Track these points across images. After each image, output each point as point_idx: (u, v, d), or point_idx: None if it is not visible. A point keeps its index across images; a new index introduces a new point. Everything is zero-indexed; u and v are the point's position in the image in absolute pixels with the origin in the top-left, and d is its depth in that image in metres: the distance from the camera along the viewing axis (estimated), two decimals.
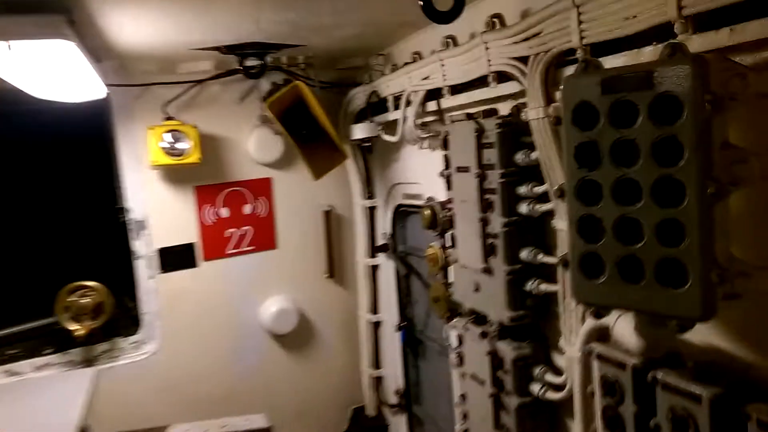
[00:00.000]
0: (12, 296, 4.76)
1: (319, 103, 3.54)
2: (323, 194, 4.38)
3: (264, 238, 4.30)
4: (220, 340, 4.28)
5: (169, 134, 3.69)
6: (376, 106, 3.76)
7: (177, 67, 3.78)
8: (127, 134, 3.86)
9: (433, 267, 3.16)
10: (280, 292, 4.39)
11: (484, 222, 2.56)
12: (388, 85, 3.59)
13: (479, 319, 2.77)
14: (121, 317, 4.43)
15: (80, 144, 4.39)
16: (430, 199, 3.15)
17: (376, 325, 4.47)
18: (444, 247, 3.09)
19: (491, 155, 2.45)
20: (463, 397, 2.96)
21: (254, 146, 4.11)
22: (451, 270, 2.99)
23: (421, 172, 3.53)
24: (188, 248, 4.12)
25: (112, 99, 3.79)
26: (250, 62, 3.52)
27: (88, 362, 4.01)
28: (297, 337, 4.46)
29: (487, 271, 2.59)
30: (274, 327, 4.31)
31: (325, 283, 4.50)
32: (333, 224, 4.43)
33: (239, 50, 3.38)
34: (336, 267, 4.49)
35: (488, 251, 2.57)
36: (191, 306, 4.17)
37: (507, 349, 2.57)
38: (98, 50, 3.17)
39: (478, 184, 2.55)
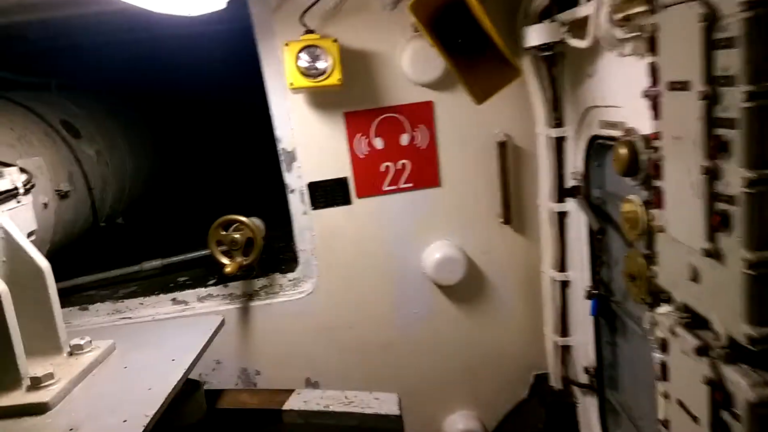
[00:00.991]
0: (181, 225, 4.92)
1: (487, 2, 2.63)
2: (497, 121, 3.50)
3: (425, 173, 3.61)
4: (379, 286, 3.80)
5: (306, 51, 3.11)
6: (565, 1, 2.73)
7: None
8: (269, 53, 3.39)
9: (631, 230, 2.17)
10: (445, 236, 3.72)
11: (712, 174, 1.54)
12: None
13: (696, 322, 1.78)
14: (281, 252, 4.23)
15: (233, 68, 4.09)
16: (629, 131, 2.13)
17: (564, 285, 3.57)
18: (647, 204, 2.08)
19: (730, 60, 1.39)
20: (665, 424, 2.03)
21: (409, 62, 3.35)
22: (657, 240, 1.99)
23: (622, 91, 2.46)
24: (341, 183, 3.62)
25: (252, 12, 3.34)
26: None
27: (249, 297, 3.86)
28: (466, 289, 3.78)
29: (714, 254, 1.58)
30: (438, 276, 3.69)
31: (500, 229, 3.69)
32: (509, 158, 3.54)
33: None
34: (513, 211, 3.64)
35: (717, 223, 1.55)
36: (347, 246, 3.73)
37: (741, 383, 1.57)
38: None
39: (705, 110, 1.51)
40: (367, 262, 3.75)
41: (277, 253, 4.17)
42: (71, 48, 4.03)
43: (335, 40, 3.15)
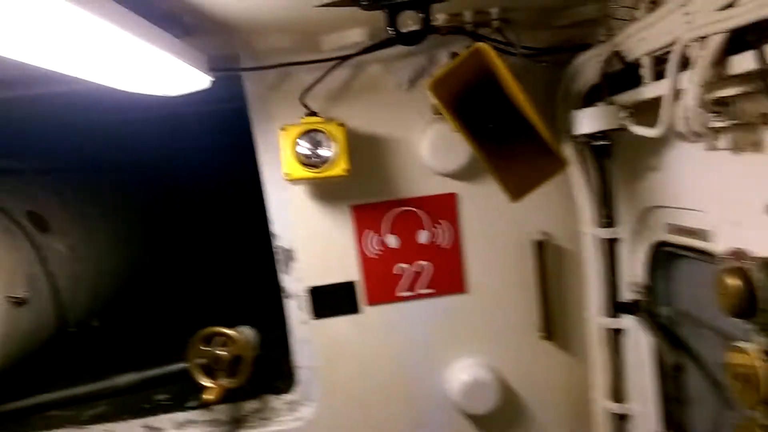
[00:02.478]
0: (165, 327, 4.33)
1: (519, 80, 2.14)
2: (534, 216, 2.93)
3: (448, 277, 3.02)
4: (394, 413, 3.13)
5: (307, 137, 2.62)
6: (619, 79, 2.23)
7: (320, 42, 2.68)
8: (265, 138, 2.90)
9: (747, 392, 1.54)
10: (473, 353, 3.08)
11: None
12: (643, 38, 2.05)
13: None
14: (277, 364, 3.60)
15: (228, 153, 3.63)
16: (739, 255, 1.54)
17: (621, 419, 2.89)
18: None
19: None
20: None
21: (429, 149, 2.84)
22: None
23: (708, 192, 1.89)
24: (347, 288, 3.04)
25: (247, 91, 2.88)
26: (406, 21, 2.23)
27: (236, 422, 3.22)
28: (500, 418, 3.09)
29: None
30: (465, 402, 3.02)
31: (540, 346, 3.05)
32: (549, 261, 2.95)
33: (388, 0, 2.12)
34: (556, 324, 3.01)
35: None
36: (355, 364, 3.10)
37: None
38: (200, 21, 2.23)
39: None
40: (380, 384, 3.11)
41: (271, 366, 3.53)
42: (49, 128, 3.62)
43: (341, 124, 2.65)
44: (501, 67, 2.12)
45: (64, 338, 3.53)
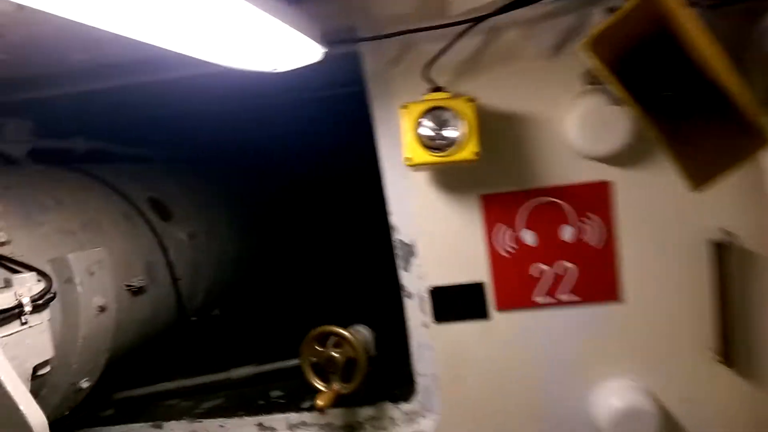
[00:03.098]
0: (286, 318, 4.18)
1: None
2: (711, 211, 2.34)
3: (598, 282, 2.52)
4: None
5: (431, 115, 2.26)
6: None
7: (446, 5, 2.30)
8: (384, 120, 2.59)
9: None
10: (626, 373, 2.56)
11: None
12: None
13: None
14: (397, 368, 3.30)
15: (352, 140, 3.36)
16: None
17: None
18: None
19: None
20: None
21: (578, 127, 2.35)
22: None
23: None
24: (474, 290, 2.65)
25: (366, 68, 2.58)
26: None
27: (350, 429, 2.98)
28: None
29: None
30: None
31: (714, 370, 2.45)
32: (732, 267, 2.34)
33: None
34: (737, 345, 2.40)
35: None
36: (482, 375, 2.72)
37: None
38: None
39: None
40: (510, 401, 2.70)
41: (388, 371, 3.24)
42: (170, 117, 3.59)
43: (471, 99, 2.26)
44: (685, 15, 1.61)
45: (185, 327, 3.49)
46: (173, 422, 3.13)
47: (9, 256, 2.15)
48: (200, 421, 3.11)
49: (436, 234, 2.63)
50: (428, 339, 2.75)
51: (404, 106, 2.29)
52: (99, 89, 2.96)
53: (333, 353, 2.79)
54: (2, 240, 2.19)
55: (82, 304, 2.42)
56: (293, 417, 3.04)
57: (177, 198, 3.45)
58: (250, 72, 2.15)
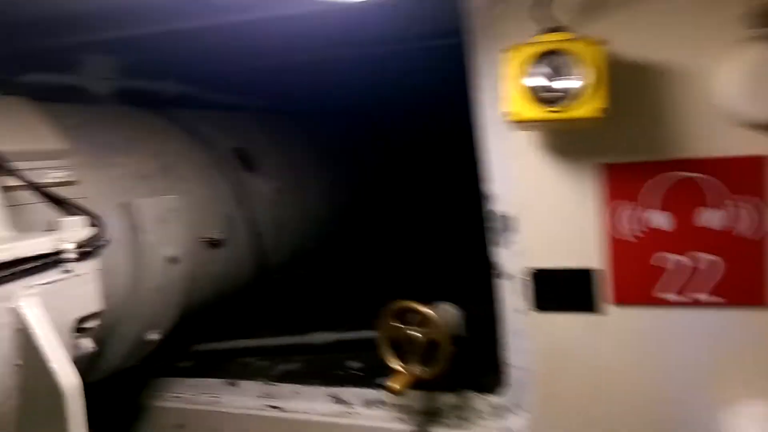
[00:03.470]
0: (375, 281, 3.89)
1: None
2: None
3: (749, 282, 1.99)
4: None
5: (544, 61, 1.82)
6: None
7: None
8: (485, 66, 2.18)
9: None
10: None
11: None
12: None
13: None
14: (486, 353, 2.94)
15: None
16: None
17: None
18: None
19: None
20: None
21: (737, 85, 1.81)
22: None
23: None
24: (583, 277, 2.22)
25: (466, 9, 2.17)
26: None
27: (430, 415, 2.70)
28: None
29: None
30: None
31: None
32: None
33: None
34: None
35: None
36: (586, 378, 2.30)
37: None
38: None
39: None
40: (620, 413, 2.26)
41: (475, 355, 2.89)
42: (260, 67, 3.37)
43: (598, 42, 1.79)
44: None
45: (268, 285, 3.35)
46: (248, 382, 3.02)
47: (75, 197, 2.04)
48: (275, 385, 2.97)
49: (540, 207, 2.21)
50: (525, 327, 2.36)
51: (510, 49, 1.87)
52: (191, 28, 2.80)
53: (414, 332, 2.49)
54: (69, 180, 2.08)
55: (150, 253, 2.30)
56: (370, 394, 2.81)
57: (265, 150, 3.26)
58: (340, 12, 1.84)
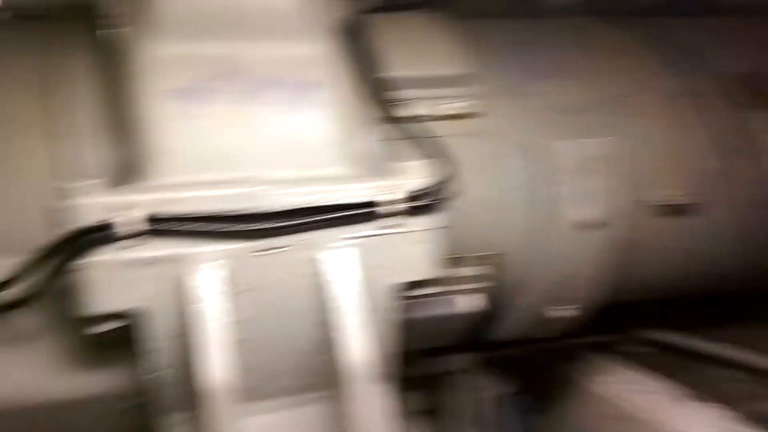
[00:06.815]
0: None
1: None
2: None
3: None
4: None
5: None
6: None
7: None
8: None
9: None
10: None
11: None
12: None
13: None
14: None
15: None
16: None
17: None
18: None
19: None
20: None
21: None
22: None
23: None
24: None
25: None
26: None
27: None
28: None
29: None
30: None
31: None
32: None
33: None
34: None
35: None
36: None
37: None
38: None
39: None
40: None
41: None
42: None
43: None
44: None
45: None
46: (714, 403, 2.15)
47: (473, 133, 1.72)
48: None
49: None
50: None
51: None
52: None
53: None
54: (470, 111, 1.76)
55: (559, 213, 1.79)
56: None
57: None
58: None
